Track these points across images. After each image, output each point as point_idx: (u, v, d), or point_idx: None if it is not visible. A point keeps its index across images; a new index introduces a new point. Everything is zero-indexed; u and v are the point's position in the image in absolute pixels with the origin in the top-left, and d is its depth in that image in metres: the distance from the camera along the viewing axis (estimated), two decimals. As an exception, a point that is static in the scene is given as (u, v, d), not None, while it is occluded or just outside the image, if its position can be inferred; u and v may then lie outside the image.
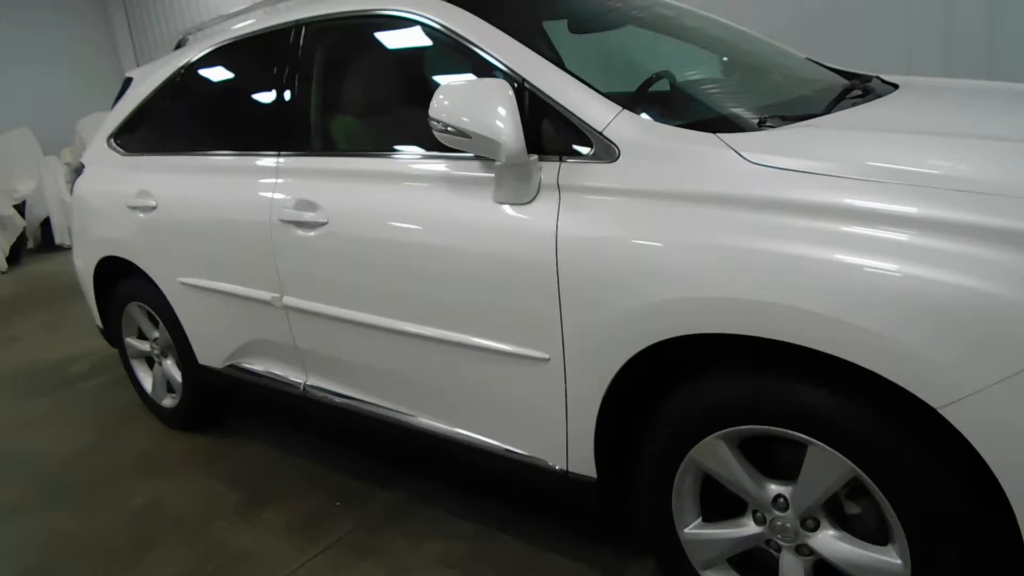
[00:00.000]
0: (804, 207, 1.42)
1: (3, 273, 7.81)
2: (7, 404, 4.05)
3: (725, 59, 2.55)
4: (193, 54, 2.99)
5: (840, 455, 1.45)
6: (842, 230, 1.37)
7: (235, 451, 3.13)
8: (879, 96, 2.07)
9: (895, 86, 2.29)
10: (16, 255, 8.36)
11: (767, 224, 1.45)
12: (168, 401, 3.41)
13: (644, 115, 1.72)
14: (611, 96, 1.79)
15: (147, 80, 3.24)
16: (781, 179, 1.47)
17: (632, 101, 1.78)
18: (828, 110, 1.87)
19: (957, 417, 1.28)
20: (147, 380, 3.51)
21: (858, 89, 2.11)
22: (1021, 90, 2.18)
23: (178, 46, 3.26)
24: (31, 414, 3.85)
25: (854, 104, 1.96)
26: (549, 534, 2.30)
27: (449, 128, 1.78)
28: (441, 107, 1.79)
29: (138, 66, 10.23)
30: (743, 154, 1.54)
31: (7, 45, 10.01)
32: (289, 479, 2.84)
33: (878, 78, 2.44)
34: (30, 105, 9.94)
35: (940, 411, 1.29)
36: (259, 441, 3.19)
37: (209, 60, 2.91)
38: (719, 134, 1.61)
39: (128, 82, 3.40)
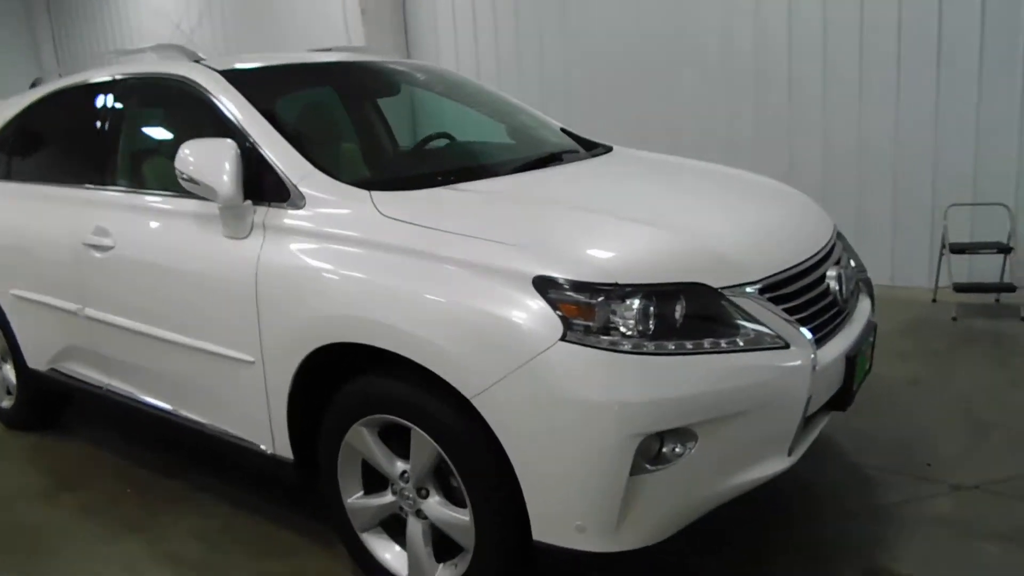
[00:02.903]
0: (404, 250, 1.94)
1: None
2: None
3: (478, 121, 3.12)
4: (37, 96, 3.42)
5: (429, 437, 1.94)
6: (423, 267, 1.89)
7: (56, 447, 3.50)
8: (568, 163, 2.66)
9: (607, 151, 2.90)
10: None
11: (382, 261, 1.97)
12: (6, 403, 3.75)
13: (326, 175, 2.23)
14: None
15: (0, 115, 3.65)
16: (396, 229, 2.00)
17: (326, 162, 2.30)
18: (513, 172, 2.44)
19: (480, 403, 1.79)
20: (-14, 383, 3.84)
21: (560, 156, 2.71)
22: (712, 170, 2.76)
23: (32, 85, 3.70)
24: None
25: (545, 167, 2.55)
26: (292, 518, 2.74)
27: (187, 177, 2.26)
28: (184, 159, 2.27)
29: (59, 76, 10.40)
30: (380, 209, 2.06)
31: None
32: (95, 471, 3.23)
33: (603, 145, 3.01)
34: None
35: (472, 400, 1.80)
36: (79, 439, 3.56)
37: (47, 103, 3.35)
38: (372, 192, 2.13)
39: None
